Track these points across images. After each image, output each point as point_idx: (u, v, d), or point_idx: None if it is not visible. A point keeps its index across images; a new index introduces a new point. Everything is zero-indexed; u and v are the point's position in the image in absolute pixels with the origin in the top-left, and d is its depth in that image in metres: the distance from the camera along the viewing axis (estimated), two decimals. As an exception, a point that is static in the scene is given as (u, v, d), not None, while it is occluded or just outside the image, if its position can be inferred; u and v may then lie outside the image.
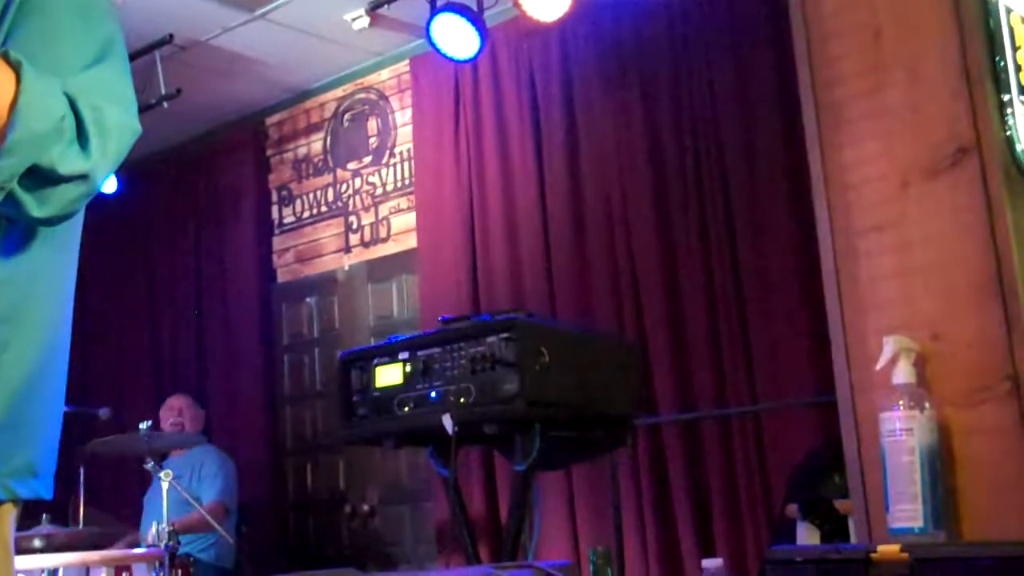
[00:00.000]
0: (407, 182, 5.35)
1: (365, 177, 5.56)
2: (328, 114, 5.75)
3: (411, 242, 5.24)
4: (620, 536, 3.63)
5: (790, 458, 3.83)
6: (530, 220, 4.76)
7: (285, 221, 5.88)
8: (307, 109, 5.83)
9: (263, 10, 4.98)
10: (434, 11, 4.53)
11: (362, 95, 5.62)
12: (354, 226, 5.57)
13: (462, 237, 4.94)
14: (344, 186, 5.63)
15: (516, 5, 4.33)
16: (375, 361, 3.15)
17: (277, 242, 5.90)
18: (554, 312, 4.60)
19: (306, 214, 5.79)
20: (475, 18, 4.47)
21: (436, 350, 3.04)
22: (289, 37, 5.21)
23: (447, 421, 2.93)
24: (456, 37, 4.54)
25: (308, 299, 5.72)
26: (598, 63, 4.63)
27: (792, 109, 4.00)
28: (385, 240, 5.45)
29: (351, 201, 5.59)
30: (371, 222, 5.50)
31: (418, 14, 4.75)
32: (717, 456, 4.14)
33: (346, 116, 5.68)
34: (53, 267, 1.45)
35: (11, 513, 1.39)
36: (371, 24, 5.01)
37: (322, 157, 5.76)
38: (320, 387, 5.61)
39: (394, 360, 3.11)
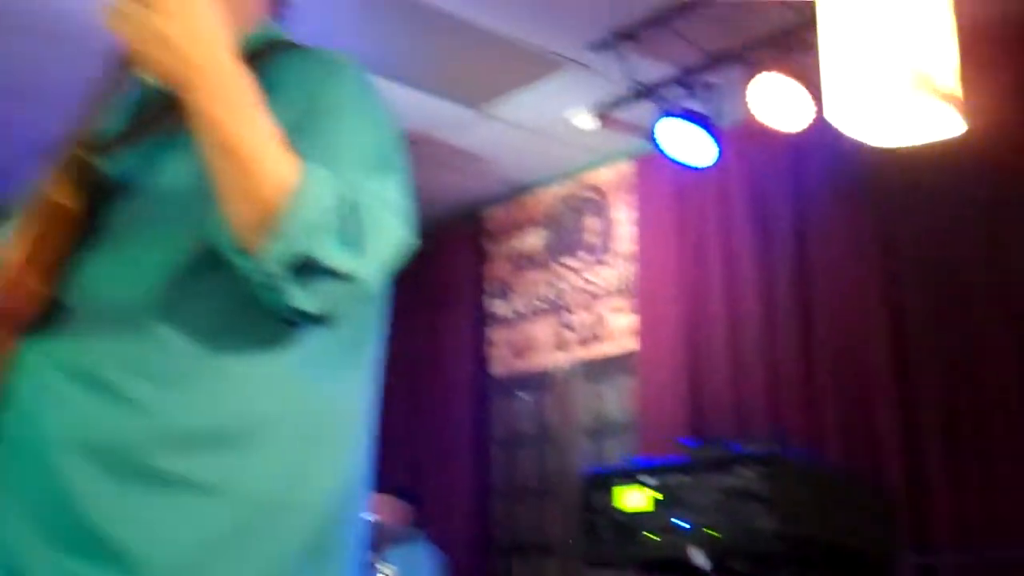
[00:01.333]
0: (626, 282, 5.33)
1: (583, 275, 5.56)
2: (548, 210, 5.80)
3: (628, 343, 5.20)
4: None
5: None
6: (754, 332, 4.65)
7: (501, 314, 5.94)
8: (526, 204, 5.90)
9: (488, 107, 5.08)
10: (662, 115, 4.52)
11: (583, 192, 5.65)
12: (571, 324, 5.57)
13: (683, 342, 4.87)
14: (562, 283, 5.65)
15: (752, 119, 4.26)
16: (620, 483, 3.12)
17: (492, 335, 5.95)
18: (778, 427, 4.46)
19: (522, 308, 5.83)
20: (709, 126, 4.43)
21: (686, 478, 2.98)
22: (512, 134, 5.30)
23: (697, 556, 2.86)
24: (684, 142, 4.52)
25: (522, 394, 5.74)
26: (830, 176, 4.51)
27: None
28: (602, 340, 5.43)
29: (569, 298, 5.60)
30: (588, 320, 5.49)
31: (644, 115, 4.75)
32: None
33: (566, 213, 5.71)
34: (352, 391, 1.46)
35: None
36: (596, 124, 5.03)
37: (540, 252, 5.80)
38: (534, 484, 5.59)
39: (641, 484, 3.06)
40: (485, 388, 5.88)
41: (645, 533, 2.96)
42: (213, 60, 1.21)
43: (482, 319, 5.98)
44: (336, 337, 1.39)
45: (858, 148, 4.30)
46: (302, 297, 1.26)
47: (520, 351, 5.82)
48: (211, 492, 1.28)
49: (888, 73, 2.80)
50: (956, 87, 2.89)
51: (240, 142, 1.21)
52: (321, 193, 1.24)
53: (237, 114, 1.22)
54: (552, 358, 5.65)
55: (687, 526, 2.89)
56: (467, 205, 6.07)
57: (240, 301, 1.30)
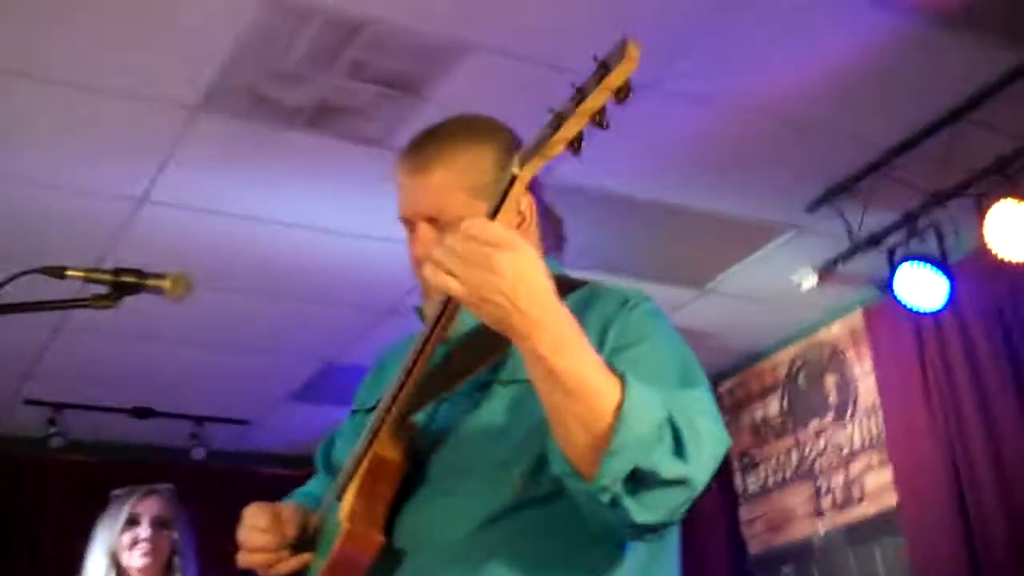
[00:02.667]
0: (876, 438, 5.15)
1: (830, 436, 5.42)
2: (782, 374, 5.72)
3: (889, 501, 4.98)
4: None
5: None
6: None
7: (750, 489, 5.81)
8: (759, 371, 5.85)
9: (711, 284, 5.12)
10: (895, 264, 4.45)
11: (815, 351, 5.57)
12: (824, 488, 5.40)
13: (948, 492, 4.63)
14: (808, 447, 5.51)
15: (983, 253, 4.16)
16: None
17: (744, 511, 5.81)
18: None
19: (771, 480, 5.69)
20: (942, 266, 4.34)
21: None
22: (738, 305, 5.30)
23: None
24: (917, 287, 4.42)
25: (784, 568, 5.54)
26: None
27: None
28: (860, 501, 5.22)
29: (818, 462, 5.44)
30: (842, 482, 5.31)
31: (868, 265, 4.69)
32: None
33: (801, 374, 5.63)
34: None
35: None
36: (820, 281, 4.98)
37: (780, 419, 5.70)
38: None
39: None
40: (745, 569, 5.70)
41: None
42: (543, 309, 1.29)
43: (732, 497, 5.86)
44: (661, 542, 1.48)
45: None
46: (640, 510, 1.31)
47: (776, 525, 5.64)
48: None
49: None
50: None
51: (571, 376, 1.29)
52: (648, 407, 1.31)
53: (566, 351, 1.30)
54: (811, 526, 5.45)
55: None
56: (702, 381, 6.05)
57: (566, 534, 1.39)
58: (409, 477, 1.50)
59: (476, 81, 3.50)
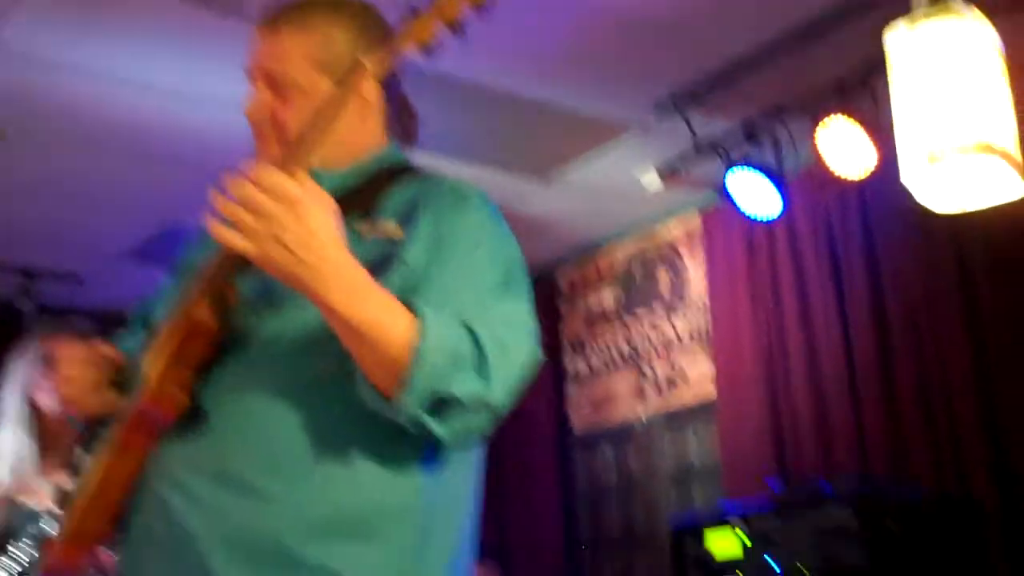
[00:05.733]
0: (702, 331, 5.41)
1: (658, 327, 5.65)
2: (619, 266, 5.91)
3: (708, 390, 5.27)
4: None
5: None
6: (834, 371, 4.68)
7: (579, 372, 6.04)
8: (598, 262, 6.02)
9: (556, 175, 5.21)
10: (730, 167, 4.62)
11: (652, 247, 5.76)
12: (648, 375, 5.65)
13: (762, 385, 4.92)
14: (637, 336, 5.75)
15: (818, 168, 4.36)
16: (708, 528, 3.17)
17: (571, 392, 6.05)
18: (865, 465, 4.48)
19: (599, 364, 5.92)
20: (774, 176, 4.53)
21: (776, 520, 3.04)
22: (581, 197, 5.41)
23: (793, 595, 2.91)
24: (752, 193, 4.61)
25: (605, 448, 5.81)
26: (901, 215, 4.56)
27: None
28: (681, 389, 5.50)
29: (644, 351, 5.69)
30: (666, 371, 5.57)
31: (710, 169, 4.85)
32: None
33: (637, 267, 5.82)
34: (465, 477, 1.58)
35: None
36: (662, 181, 5.13)
37: (614, 308, 5.91)
38: (619, 535, 5.64)
39: (731, 529, 3.12)
40: (567, 445, 5.96)
41: (739, 576, 3.03)
42: (331, 263, 1.34)
43: (560, 377, 6.08)
44: None
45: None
46: (444, 432, 1.39)
47: (600, 407, 5.90)
48: None
49: (952, 139, 2.96)
50: (1016, 151, 3.01)
51: (363, 323, 1.35)
52: (442, 339, 1.37)
53: (357, 300, 1.35)
54: (633, 411, 5.72)
55: (779, 569, 2.95)
56: (541, 269, 6.19)
57: (364, 408, 1.42)
58: (225, 343, 1.51)
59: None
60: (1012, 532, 4.03)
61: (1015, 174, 3.14)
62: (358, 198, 1.57)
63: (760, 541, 3.01)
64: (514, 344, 1.46)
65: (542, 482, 5.85)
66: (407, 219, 1.55)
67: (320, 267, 1.33)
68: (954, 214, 4.26)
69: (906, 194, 4.44)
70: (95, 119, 4.40)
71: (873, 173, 4.31)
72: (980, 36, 3.02)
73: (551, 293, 6.19)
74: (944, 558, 2.98)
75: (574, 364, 6.08)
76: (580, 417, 6.01)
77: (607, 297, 5.96)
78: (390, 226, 1.54)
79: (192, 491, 1.44)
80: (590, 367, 5.98)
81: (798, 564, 2.92)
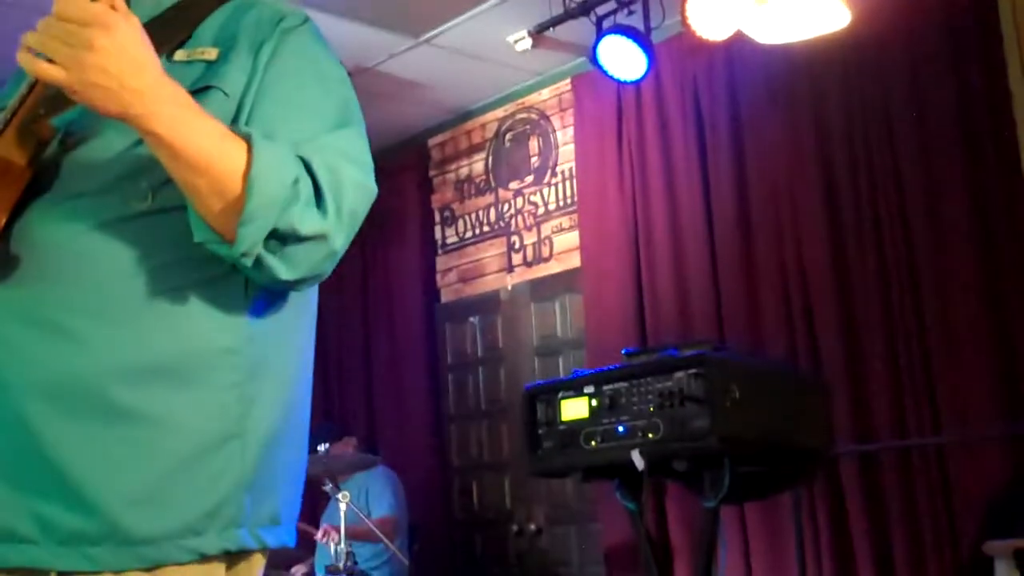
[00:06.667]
0: (570, 201, 5.36)
1: (527, 196, 5.59)
2: (490, 134, 5.80)
3: (574, 261, 5.25)
4: (804, 573, 3.55)
5: (977, 494, 3.68)
6: (696, 239, 4.70)
7: (448, 241, 5.96)
8: (469, 130, 5.90)
9: (427, 35, 5.05)
10: (600, 33, 4.53)
11: (523, 115, 5.65)
12: (516, 246, 5.61)
13: (627, 256, 4.92)
14: (506, 206, 5.68)
15: (684, 25, 4.29)
16: (560, 394, 3.15)
17: (440, 262, 5.98)
18: (722, 335, 4.54)
19: (468, 234, 5.85)
20: (642, 40, 4.44)
21: (622, 384, 3.02)
22: (452, 60, 5.27)
23: (636, 458, 2.91)
24: (621, 57, 4.53)
25: (472, 319, 5.78)
26: (765, 81, 4.54)
27: (972, 130, 3.91)
28: (548, 259, 5.47)
29: (513, 221, 5.63)
30: (533, 241, 5.53)
31: (580, 34, 4.76)
32: (898, 493, 3.99)
33: (507, 136, 5.72)
34: (296, 325, 1.50)
35: (260, 564, 1.43)
36: (533, 45, 5.02)
37: (484, 177, 5.81)
38: (485, 406, 5.66)
39: (579, 394, 3.10)
40: (435, 314, 5.91)
41: (584, 440, 3.01)
42: (152, 84, 1.26)
43: (430, 247, 5.99)
44: None
45: (783, 49, 4.34)
46: (283, 267, 1.32)
47: (469, 277, 5.85)
48: (163, 424, 1.32)
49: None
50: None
51: (192, 150, 1.28)
52: (278, 166, 1.30)
53: (184, 125, 1.27)
54: (500, 281, 5.68)
55: (623, 430, 2.94)
56: (411, 135, 6.06)
57: (188, 246, 1.34)
58: (39, 182, 1.41)
59: None
60: (856, 399, 4.15)
61: (839, 4, 3.60)
62: (175, 24, 1.47)
63: (607, 405, 2.99)
64: (350, 177, 1.38)
65: (411, 352, 5.81)
66: (225, 44, 1.45)
67: (141, 88, 1.25)
68: (813, 72, 4.33)
69: (771, 60, 4.44)
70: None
71: (740, 39, 4.25)
72: None
73: (422, 160, 6.06)
74: (788, 421, 3.01)
75: (443, 234, 5.99)
76: (448, 288, 5.95)
77: (478, 166, 5.85)
78: (208, 52, 1.45)
79: (6, 339, 1.34)
80: (459, 237, 5.90)
81: (642, 428, 2.91)
